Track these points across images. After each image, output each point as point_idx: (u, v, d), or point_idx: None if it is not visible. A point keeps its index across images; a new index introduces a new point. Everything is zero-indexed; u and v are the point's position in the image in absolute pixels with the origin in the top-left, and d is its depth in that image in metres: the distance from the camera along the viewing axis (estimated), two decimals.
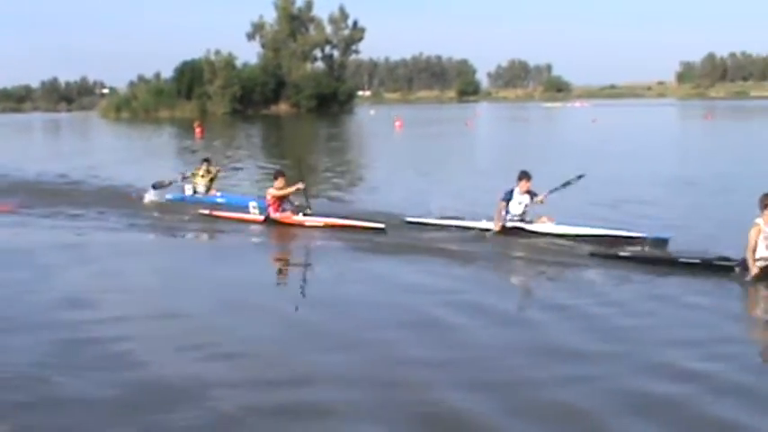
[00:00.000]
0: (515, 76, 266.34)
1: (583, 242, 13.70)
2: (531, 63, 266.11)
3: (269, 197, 16.42)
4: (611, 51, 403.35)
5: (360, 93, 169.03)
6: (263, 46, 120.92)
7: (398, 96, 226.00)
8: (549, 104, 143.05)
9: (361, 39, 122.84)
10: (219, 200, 19.62)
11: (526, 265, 12.94)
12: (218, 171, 21.17)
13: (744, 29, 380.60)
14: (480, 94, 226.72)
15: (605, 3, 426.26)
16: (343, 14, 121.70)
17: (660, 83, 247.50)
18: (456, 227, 15.32)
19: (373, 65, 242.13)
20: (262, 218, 16.66)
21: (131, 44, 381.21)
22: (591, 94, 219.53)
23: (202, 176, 20.51)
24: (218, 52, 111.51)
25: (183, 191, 20.51)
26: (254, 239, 15.96)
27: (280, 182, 16.38)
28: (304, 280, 12.46)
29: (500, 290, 11.39)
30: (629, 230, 13.90)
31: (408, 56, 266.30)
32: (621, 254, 12.68)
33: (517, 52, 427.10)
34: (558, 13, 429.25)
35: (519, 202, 14.79)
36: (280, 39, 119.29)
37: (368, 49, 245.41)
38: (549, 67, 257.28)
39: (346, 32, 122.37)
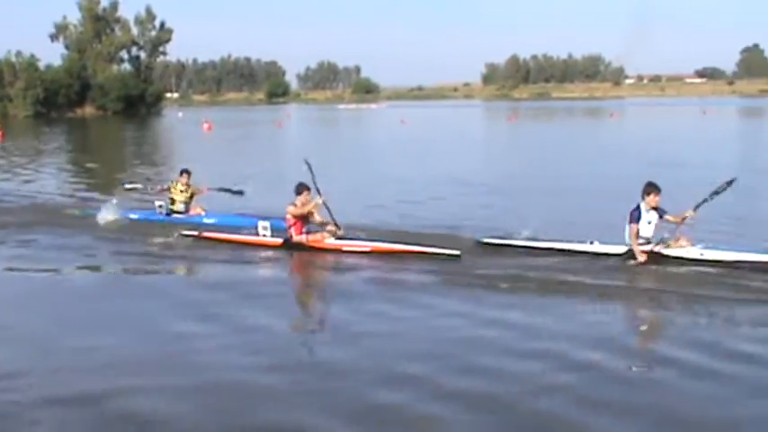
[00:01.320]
0: (324, 77, 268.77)
1: (741, 269, 11.29)
2: (340, 65, 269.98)
3: (289, 216, 13.27)
4: (418, 53, 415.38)
5: (168, 95, 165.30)
6: (66, 47, 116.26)
7: (207, 98, 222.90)
8: (342, 106, 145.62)
9: (168, 40, 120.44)
10: (207, 220, 15.92)
11: (683, 305, 9.92)
12: (202, 191, 17.16)
13: (545, 32, 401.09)
14: (290, 96, 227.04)
15: (412, 5, 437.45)
16: (150, 15, 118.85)
17: (466, 84, 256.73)
18: (558, 250, 12.54)
19: (181, 67, 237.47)
20: (279, 241, 13.53)
21: None
22: (399, 95, 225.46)
23: (182, 191, 16.62)
24: (19, 53, 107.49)
25: (156, 209, 16.54)
26: (272, 271, 12.75)
27: (304, 197, 13.20)
28: (360, 338, 8.88)
29: (671, 341, 8.62)
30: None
31: (217, 57, 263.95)
32: None
33: (326, 54, 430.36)
34: (367, 15, 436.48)
35: (648, 222, 12.07)
36: (84, 40, 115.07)
37: (175, 51, 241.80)
38: (357, 69, 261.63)
39: (153, 34, 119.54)
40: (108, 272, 12.59)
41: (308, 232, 13.38)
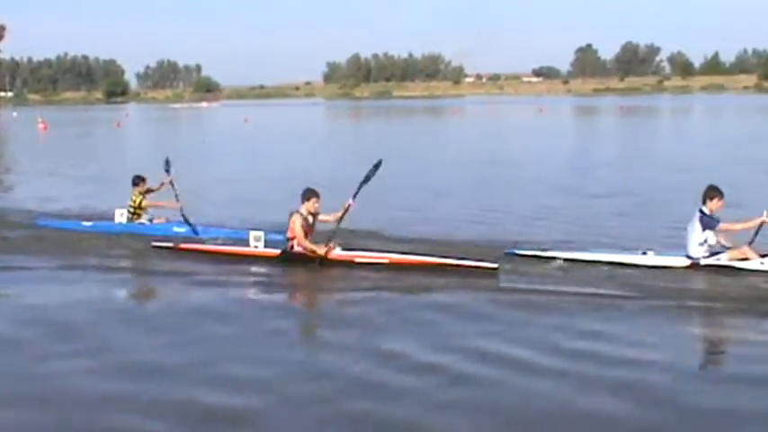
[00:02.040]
0: (164, 76, 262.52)
1: None
2: (181, 63, 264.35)
3: (294, 225, 11.53)
4: (260, 52, 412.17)
5: (1, 94, 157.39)
6: None
7: (42, 98, 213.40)
8: (177, 105, 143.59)
9: (1, 38, 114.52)
10: (178, 229, 14.09)
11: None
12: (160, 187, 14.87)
13: (385, 31, 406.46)
14: (129, 95, 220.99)
15: (253, 4, 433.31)
16: None
17: (308, 83, 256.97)
18: (608, 263, 11.09)
19: (15, 65, 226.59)
20: (274, 252, 11.90)
21: None
22: (240, 94, 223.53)
23: (140, 201, 14.56)
24: None
25: (116, 217, 14.65)
26: (269, 290, 10.95)
27: (312, 203, 11.59)
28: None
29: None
30: None
31: (53, 55, 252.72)
32: None
33: (167, 52, 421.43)
34: (207, 13, 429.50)
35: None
36: None
37: (9, 49, 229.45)
38: (198, 68, 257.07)
39: None
40: (71, 297, 10.38)
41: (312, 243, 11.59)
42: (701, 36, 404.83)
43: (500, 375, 7.17)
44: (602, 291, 9.90)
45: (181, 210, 14.23)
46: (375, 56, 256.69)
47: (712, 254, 10.79)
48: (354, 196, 11.51)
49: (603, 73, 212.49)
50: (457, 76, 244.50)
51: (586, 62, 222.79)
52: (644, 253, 11.09)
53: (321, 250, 11.41)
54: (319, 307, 10.49)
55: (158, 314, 9.67)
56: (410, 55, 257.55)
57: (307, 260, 11.51)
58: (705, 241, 10.76)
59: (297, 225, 11.44)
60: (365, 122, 70.28)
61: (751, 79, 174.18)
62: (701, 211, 10.77)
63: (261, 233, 12.18)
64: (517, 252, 11.60)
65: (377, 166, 11.72)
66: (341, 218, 11.58)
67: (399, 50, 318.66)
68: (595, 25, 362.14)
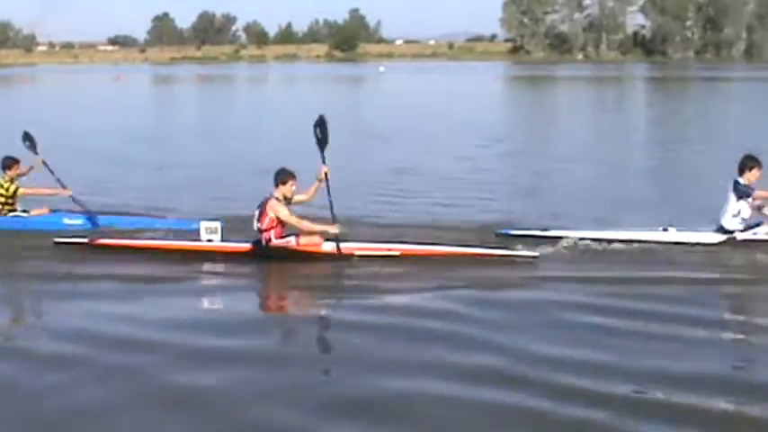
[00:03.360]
0: None
1: None
2: None
3: (274, 213, 9.56)
4: None
5: None
6: None
7: None
8: None
9: None
10: (71, 221, 11.64)
11: None
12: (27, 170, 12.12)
13: None
14: None
15: None
16: None
17: None
18: (626, 241, 10.26)
19: None
20: (243, 247, 9.85)
21: None
22: None
23: (8, 187, 11.75)
24: None
25: None
26: (238, 299, 8.84)
27: (289, 187, 9.73)
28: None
29: None
30: None
31: None
32: None
33: None
34: None
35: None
36: None
37: None
38: None
39: None
40: None
41: (295, 234, 9.74)
42: (275, 6, 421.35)
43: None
44: (646, 273, 9.36)
45: (72, 197, 11.84)
46: None
47: (747, 227, 10.23)
48: (324, 161, 9.97)
49: (181, 42, 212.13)
50: (28, 44, 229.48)
51: (163, 31, 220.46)
52: (665, 229, 10.39)
53: (314, 239, 9.71)
54: (324, 323, 8.23)
55: (71, 336, 7.41)
56: None
57: (290, 256, 9.64)
58: (739, 213, 10.13)
59: (282, 212, 9.53)
60: None
61: (322, 48, 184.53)
62: (735, 181, 10.15)
63: (217, 224, 10.01)
64: (511, 233, 10.63)
65: (321, 123, 10.18)
66: (317, 189, 9.99)
67: None
68: None
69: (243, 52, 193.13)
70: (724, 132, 26.36)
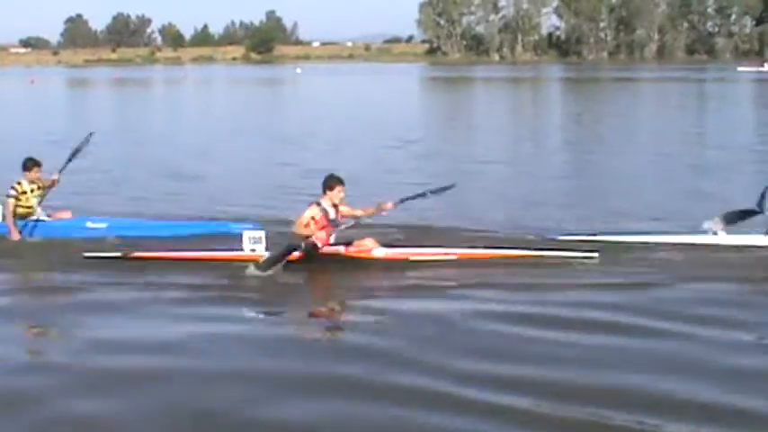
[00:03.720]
0: None
1: None
2: None
3: (317, 215, 9.21)
4: None
5: None
6: None
7: None
8: None
9: None
10: (94, 225, 10.87)
11: None
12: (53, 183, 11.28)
13: None
14: None
15: None
16: None
17: None
18: (688, 245, 10.04)
19: None
20: (296, 254, 9.19)
21: None
22: None
23: (33, 192, 11.00)
24: None
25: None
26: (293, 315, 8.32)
27: (337, 193, 9.31)
28: None
29: None
30: None
31: None
32: None
33: None
34: None
35: None
36: None
37: None
38: None
39: None
40: None
41: (345, 243, 9.44)
42: (190, 8, 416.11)
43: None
44: (699, 274, 9.18)
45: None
46: None
47: None
48: (403, 201, 9.76)
49: (95, 44, 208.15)
50: None
51: (77, 33, 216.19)
52: (714, 233, 10.09)
53: (366, 244, 9.43)
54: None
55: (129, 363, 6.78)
56: None
57: (340, 263, 9.29)
58: None
59: (306, 213, 9.23)
60: None
61: (239, 50, 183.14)
62: None
63: (261, 233, 9.46)
64: (558, 237, 10.37)
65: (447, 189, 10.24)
66: (374, 213, 9.63)
67: None
68: None
69: (158, 54, 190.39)
70: (636, 132, 27.00)
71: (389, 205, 9.58)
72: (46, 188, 11.16)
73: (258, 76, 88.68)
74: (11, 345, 7.27)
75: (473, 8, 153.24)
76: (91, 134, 10.93)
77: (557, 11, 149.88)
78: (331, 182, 9.35)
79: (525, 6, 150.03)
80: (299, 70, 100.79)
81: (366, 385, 6.15)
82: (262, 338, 7.33)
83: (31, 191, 10.99)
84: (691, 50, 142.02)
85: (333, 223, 9.35)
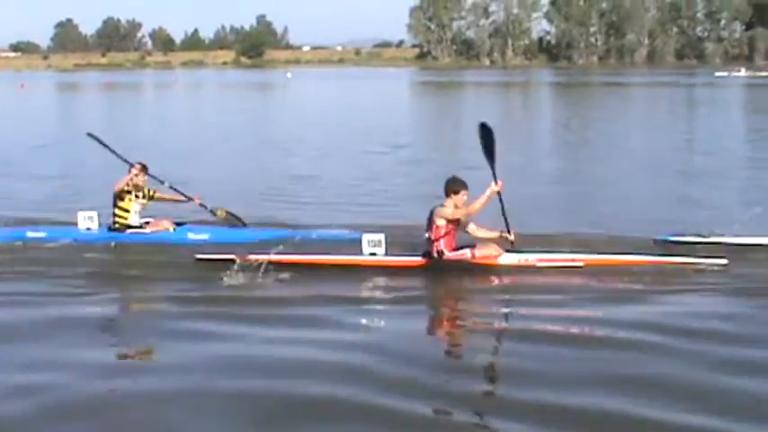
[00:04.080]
0: None
1: None
2: None
3: (442, 218, 9.01)
4: None
5: None
6: None
7: None
8: None
9: None
10: (195, 235, 10.60)
11: None
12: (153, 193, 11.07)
13: None
14: None
15: None
16: None
17: None
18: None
19: None
20: (416, 261, 9.19)
21: None
22: None
23: (138, 197, 10.79)
24: None
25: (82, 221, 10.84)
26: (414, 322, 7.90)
27: (461, 197, 9.05)
28: None
29: None
30: None
31: None
32: None
33: None
34: None
35: None
36: None
37: None
38: None
39: None
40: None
41: (470, 246, 9.18)
42: (180, 13, 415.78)
43: None
44: None
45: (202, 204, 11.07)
46: None
47: None
48: (495, 177, 9.12)
49: (85, 48, 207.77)
50: None
51: (67, 37, 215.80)
52: None
53: (490, 251, 9.18)
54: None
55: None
56: None
57: (465, 269, 9.02)
58: None
59: (448, 211, 9.01)
60: None
61: (229, 55, 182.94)
62: None
63: (381, 236, 9.24)
64: (670, 239, 9.98)
65: (485, 132, 9.36)
66: (483, 205, 9.10)
67: None
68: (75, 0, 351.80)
69: (149, 59, 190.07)
70: (624, 137, 27.03)
71: (511, 237, 9.27)
72: (157, 199, 11.02)
73: (248, 81, 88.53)
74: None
75: (464, 13, 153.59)
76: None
77: (547, 15, 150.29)
78: (456, 186, 9.11)
79: (515, 11, 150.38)
80: (289, 75, 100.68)
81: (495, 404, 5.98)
82: (380, 345, 7.02)
83: (136, 197, 10.71)
84: (680, 55, 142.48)
85: (458, 228, 9.23)
